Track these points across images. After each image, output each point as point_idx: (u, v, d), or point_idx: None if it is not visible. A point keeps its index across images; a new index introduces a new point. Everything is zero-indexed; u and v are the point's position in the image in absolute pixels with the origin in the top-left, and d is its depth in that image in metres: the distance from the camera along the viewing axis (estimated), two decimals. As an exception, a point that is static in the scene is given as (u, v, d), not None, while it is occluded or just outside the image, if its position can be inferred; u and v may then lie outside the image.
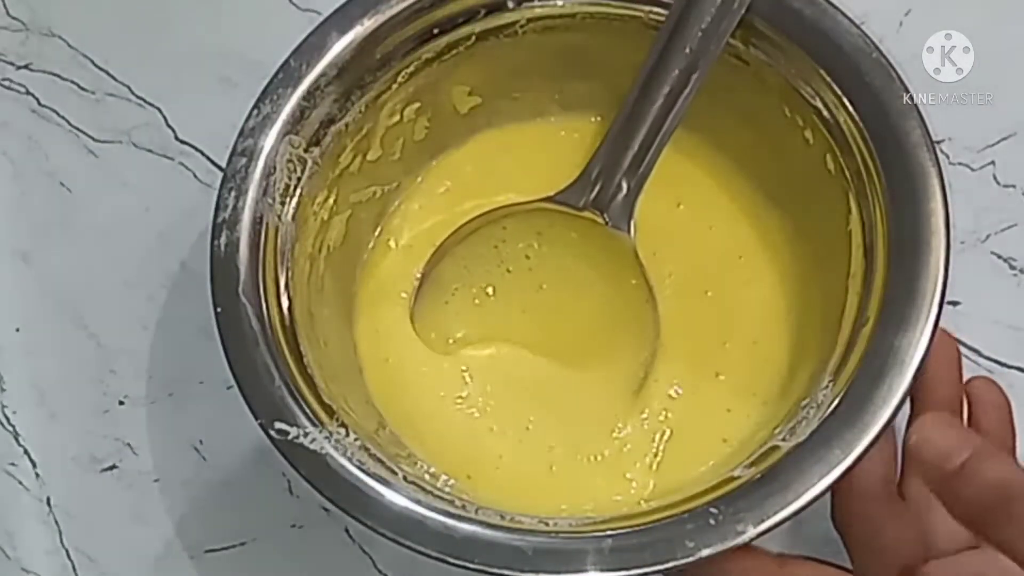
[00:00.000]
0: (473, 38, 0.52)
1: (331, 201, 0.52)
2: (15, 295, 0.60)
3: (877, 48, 0.47)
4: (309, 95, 0.49)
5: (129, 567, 0.56)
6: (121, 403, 0.58)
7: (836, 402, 0.43)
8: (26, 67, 0.64)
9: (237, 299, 0.47)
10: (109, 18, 0.65)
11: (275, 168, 0.49)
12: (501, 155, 0.57)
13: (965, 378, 0.49)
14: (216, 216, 0.48)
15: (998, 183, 0.58)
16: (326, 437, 0.44)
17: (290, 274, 0.49)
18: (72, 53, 0.64)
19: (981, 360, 0.55)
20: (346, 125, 0.51)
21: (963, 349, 0.55)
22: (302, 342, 0.48)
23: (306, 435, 0.44)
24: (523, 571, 0.42)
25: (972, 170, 0.58)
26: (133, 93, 0.63)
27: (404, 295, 0.54)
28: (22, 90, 0.64)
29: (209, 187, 0.61)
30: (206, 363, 0.57)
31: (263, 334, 0.46)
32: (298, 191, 0.50)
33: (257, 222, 0.48)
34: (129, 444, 0.57)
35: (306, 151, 0.50)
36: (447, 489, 0.47)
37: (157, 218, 0.61)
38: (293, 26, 0.50)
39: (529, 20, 0.52)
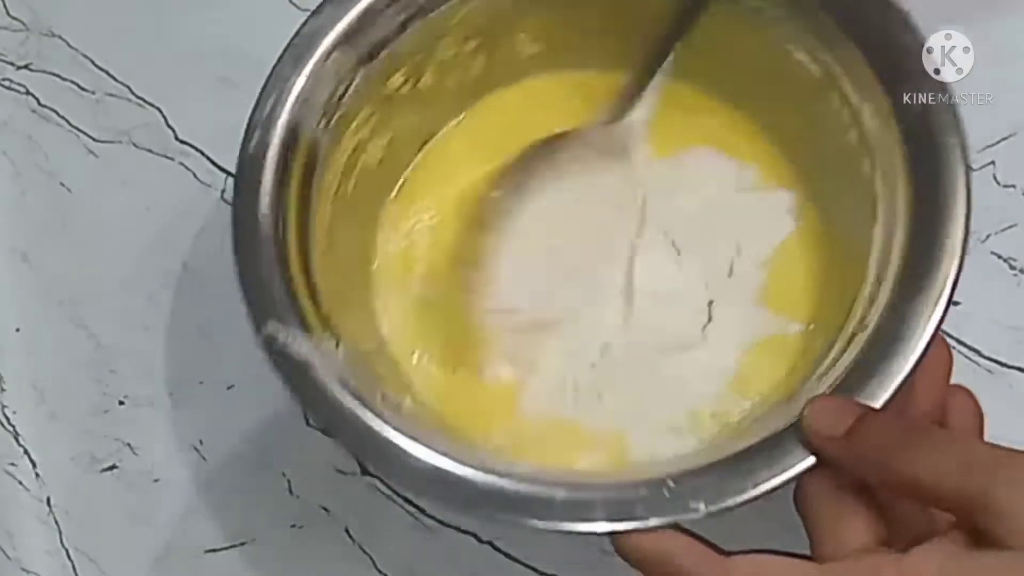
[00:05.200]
0: None
1: (373, 121, 0.52)
2: (15, 295, 0.60)
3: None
4: (367, 13, 0.49)
5: (129, 567, 0.56)
6: (121, 403, 0.58)
7: None
8: (26, 67, 0.64)
9: (256, 198, 0.47)
10: (109, 18, 0.65)
11: (320, 78, 0.48)
12: (553, 99, 0.57)
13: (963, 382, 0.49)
14: (252, 117, 0.48)
15: (998, 183, 0.58)
16: (314, 346, 0.44)
17: (317, 184, 0.49)
18: (72, 53, 0.64)
19: (981, 360, 0.55)
20: (401, 48, 0.51)
21: (963, 349, 0.55)
22: (313, 252, 0.48)
23: (294, 340, 0.44)
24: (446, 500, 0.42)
25: (972, 170, 0.57)
26: (133, 93, 0.63)
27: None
28: (22, 90, 0.64)
29: (209, 187, 0.61)
30: (206, 363, 0.57)
31: (274, 235, 0.46)
32: (341, 106, 0.49)
33: (292, 128, 0.48)
34: (129, 444, 0.57)
35: (355, 68, 0.49)
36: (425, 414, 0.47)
37: (157, 218, 0.60)
38: (293, 26, 0.50)
39: None
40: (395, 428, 0.43)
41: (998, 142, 0.58)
